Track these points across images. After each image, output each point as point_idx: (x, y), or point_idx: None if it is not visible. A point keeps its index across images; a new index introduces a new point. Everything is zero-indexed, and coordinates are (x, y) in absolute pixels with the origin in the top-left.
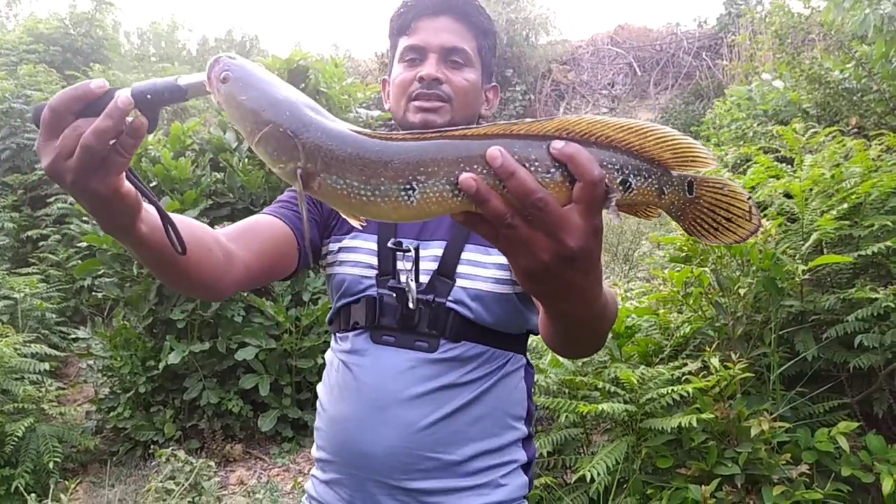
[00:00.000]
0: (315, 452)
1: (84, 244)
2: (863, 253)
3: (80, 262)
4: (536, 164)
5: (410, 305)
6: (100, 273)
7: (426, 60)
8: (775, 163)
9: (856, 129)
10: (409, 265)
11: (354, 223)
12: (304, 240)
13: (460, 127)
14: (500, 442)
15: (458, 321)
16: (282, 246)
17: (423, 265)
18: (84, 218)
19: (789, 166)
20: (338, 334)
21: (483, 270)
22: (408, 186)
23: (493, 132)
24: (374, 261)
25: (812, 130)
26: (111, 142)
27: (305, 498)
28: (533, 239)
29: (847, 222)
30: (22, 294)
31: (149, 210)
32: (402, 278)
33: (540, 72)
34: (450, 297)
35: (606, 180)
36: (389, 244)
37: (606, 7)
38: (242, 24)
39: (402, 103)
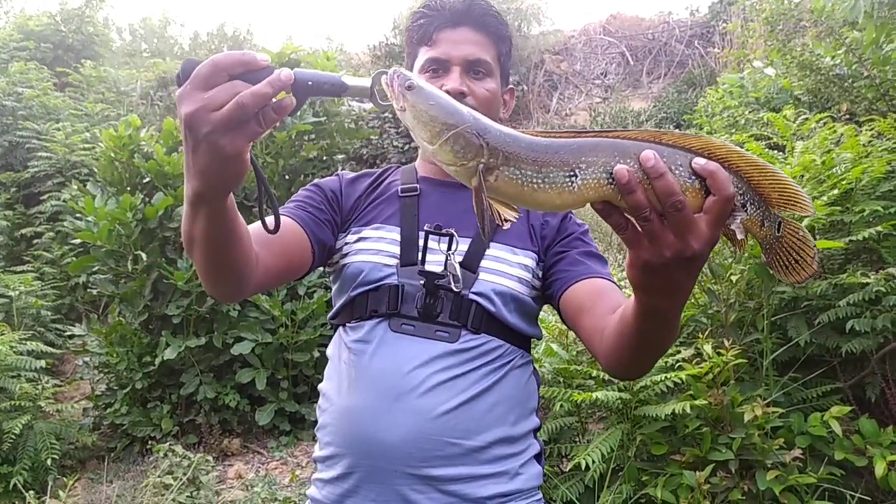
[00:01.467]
0: (319, 452)
1: (78, 241)
2: (854, 238)
3: (74, 259)
4: (680, 169)
5: (454, 287)
6: (94, 270)
7: (450, 73)
8: (767, 150)
9: (847, 116)
10: (444, 247)
11: (510, 215)
12: (485, 228)
13: (613, 129)
14: (516, 431)
15: (480, 313)
16: (298, 248)
17: (434, 257)
18: (78, 215)
19: (781, 153)
20: (348, 324)
21: (508, 268)
22: (572, 174)
23: (643, 136)
24: (396, 250)
25: (803, 117)
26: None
27: (309, 503)
28: (661, 235)
29: (838, 208)
30: (17, 292)
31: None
32: (440, 258)
33: (532, 62)
34: (473, 290)
35: (736, 200)
36: (427, 227)
37: None
38: (234, 18)
39: None
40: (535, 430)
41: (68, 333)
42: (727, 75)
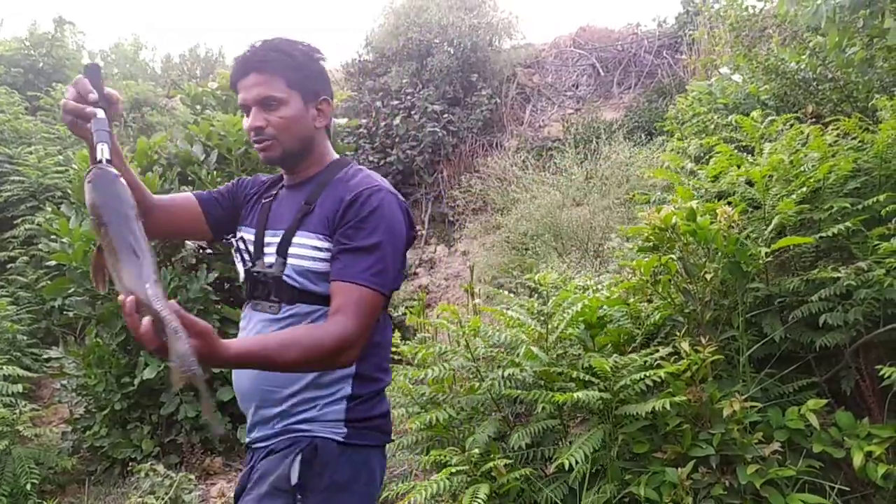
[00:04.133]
0: None
1: (53, 264)
2: (824, 235)
3: (49, 282)
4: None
5: (269, 276)
6: (70, 292)
7: (249, 114)
8: (737, 152)
9: (813, 118)
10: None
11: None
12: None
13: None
14: (325, 379)
15: (290, 289)
16: (190, 214)
17: (269, 249)
18: (52, 237)
19: (750, 155)
20: None
21: (305, 251)
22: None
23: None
24: (252, 248)
25: (770, 118)
26: None
27: None
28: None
29: (807, 206)
30: None
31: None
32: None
33: (505, 76)
34: (285, 272)
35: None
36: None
37: (568, 10)
38: (206, 40)
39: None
40: (352, 376)
41: (45, 357)
42: (695, 83)
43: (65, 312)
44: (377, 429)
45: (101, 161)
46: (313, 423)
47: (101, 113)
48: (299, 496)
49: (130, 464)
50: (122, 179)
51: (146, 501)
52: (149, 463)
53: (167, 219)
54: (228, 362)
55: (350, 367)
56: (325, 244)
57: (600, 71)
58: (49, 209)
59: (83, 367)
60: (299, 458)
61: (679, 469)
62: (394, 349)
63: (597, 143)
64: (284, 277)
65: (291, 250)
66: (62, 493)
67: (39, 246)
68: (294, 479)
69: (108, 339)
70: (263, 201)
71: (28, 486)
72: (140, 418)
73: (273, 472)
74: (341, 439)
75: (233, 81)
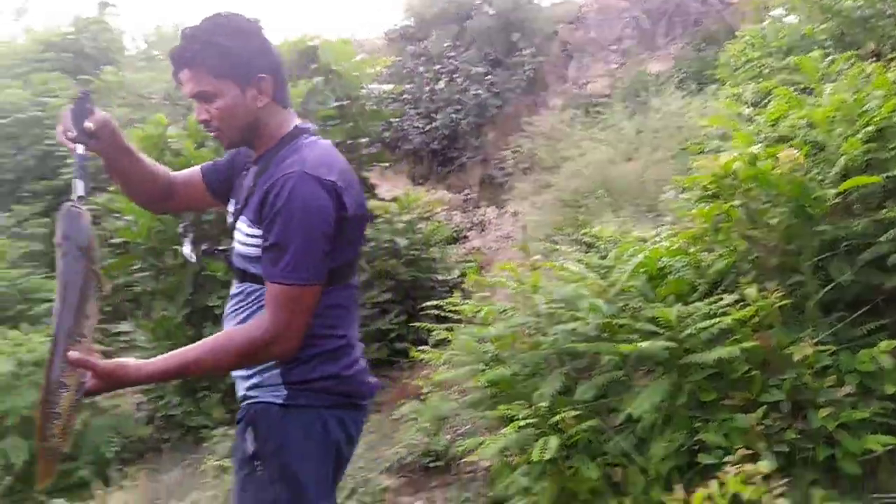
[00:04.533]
0: None
1: (117, 241)
2: (891, 174)
3: (113, 260)
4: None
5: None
6: (135, 268)
7: (195, 107)
8: (797, 93)
9: (874, 56)
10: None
11: None
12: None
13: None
14: None
15: (237, 270)
16: (200, 186)
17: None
18: (115, 215)
19: (811, 97)
20: None
21: (243, 237)
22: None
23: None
24: (230, 221)
25: (830, 58)
26: None
27: None
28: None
29: (873, 145)
30: None
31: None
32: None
33: (546, 33)
34: (234, 253)
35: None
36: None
37: None
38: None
39: None
40: None
41: (115, 331)
42: (747, 27)
43: (130, 288)
44: (323, 391)
45: (73, 198)
46: (259, 389)
47: (80, 148)
48: (257, 463)
49: (203, 431)
50: (85, 217)
51: (223, 465)
52: (222, 429)
53: (186, 193)
54: (148, 382)
55: (290, 356)
56: (256, 231)
57: (644, 23)
58: (111, 188)
59: (153, 339)
60: (250, 429)
61: (749, 415)
62: (454, 308)
63: (646, 95)
64: (233, 257)
65: (235, 234)
66: (141, 459)
67: (105, 224)
68: (249, 451)
69: (174, 311)
70: (243, 173)
71: (108, 454)
72: (209, 387)
73: (238, 446)
74: (282, 401)
75: (174, 77)
